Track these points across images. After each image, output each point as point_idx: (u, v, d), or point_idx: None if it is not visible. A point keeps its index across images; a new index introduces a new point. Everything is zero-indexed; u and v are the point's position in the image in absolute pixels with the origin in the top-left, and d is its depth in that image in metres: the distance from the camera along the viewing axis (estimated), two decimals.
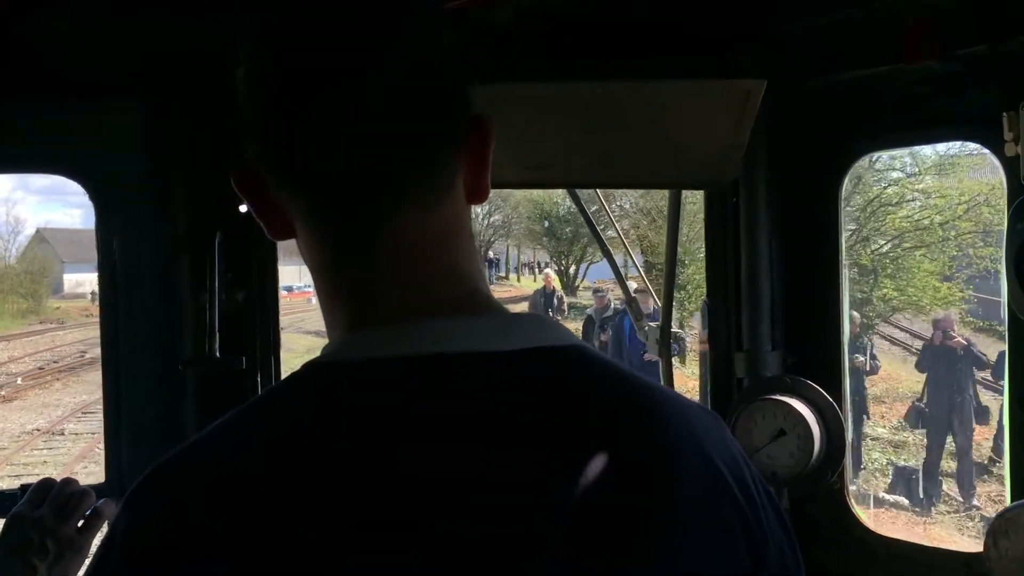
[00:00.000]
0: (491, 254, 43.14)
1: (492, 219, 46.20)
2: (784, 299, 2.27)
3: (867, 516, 2.28)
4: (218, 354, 2.02)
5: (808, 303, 2.27)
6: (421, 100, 0.92)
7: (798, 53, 1.94)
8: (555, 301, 19.01)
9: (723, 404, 2.31)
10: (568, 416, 0.89)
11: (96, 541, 1.69)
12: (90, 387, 18.87)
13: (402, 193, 0.93)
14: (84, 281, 46.70)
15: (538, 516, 0.84)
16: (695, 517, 0.89)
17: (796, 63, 1.98)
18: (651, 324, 2.80)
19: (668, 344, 2.64)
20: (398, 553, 0.82)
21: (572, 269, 38.84)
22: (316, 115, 0.90)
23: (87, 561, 1.63)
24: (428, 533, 0.82)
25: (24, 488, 1.74)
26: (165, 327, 2.11)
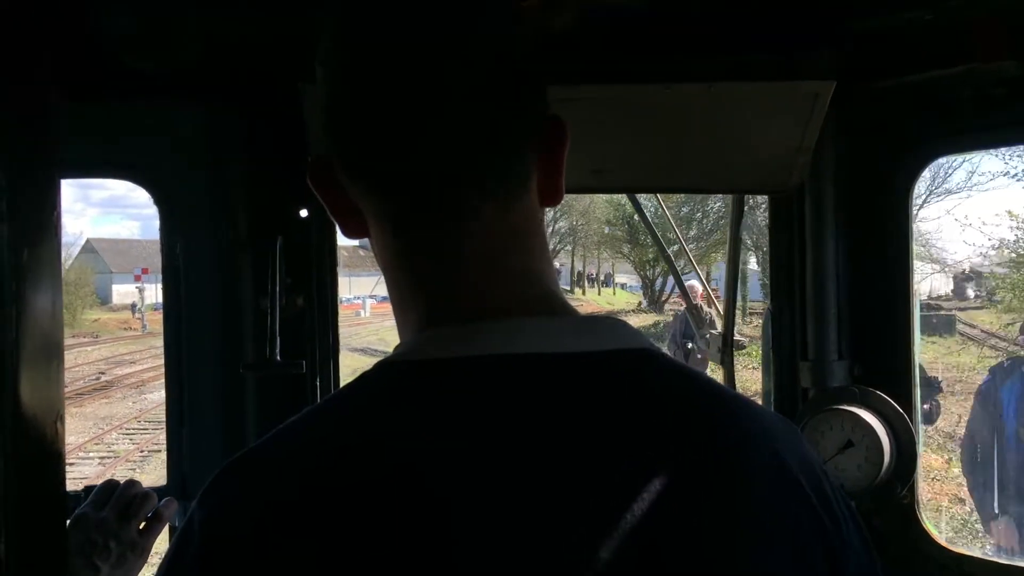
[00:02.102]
0: (557, 264, 41.74)
1: (558, 226, 43.84)
2: (851, 307, 2.21)
3: None
4: (278, 358, 2.03)
5: (876, 311, 2.21)
6: (500, 98, 0.92)
7: (868, 54, 1.89)
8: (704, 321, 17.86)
9: (788, 414, 2.25)
10: (642, 419, 0.88)
11: (158, 542, 1.72)
12: (88, 423, 17.03)
13: (481, 191, 0.93)
14: (130, 292, 46.97)
15: (613, 519, 0.82)
16: (772, 521, 0.88)
17: (866, 64, 1.93)
18: (712, 331, 2.76)
19: (731, 352, 2.59)
20: (486, 547, 0.81)
21: (658, 282, 36.09)
22: (395, 111, 0.91)
23: (150, 560, 1.65)
24: (513, 528, 0.81)
25: (88, 490, 1.76)
26: (226, 331, 2.13)
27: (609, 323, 0.96)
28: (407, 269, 0.97)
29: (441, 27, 0.92)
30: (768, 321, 2.37)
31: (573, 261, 49.13)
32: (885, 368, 2.19)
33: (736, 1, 1.78)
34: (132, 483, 1.75)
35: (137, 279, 46.31)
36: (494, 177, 0.94)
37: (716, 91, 1.86)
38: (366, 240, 1.03)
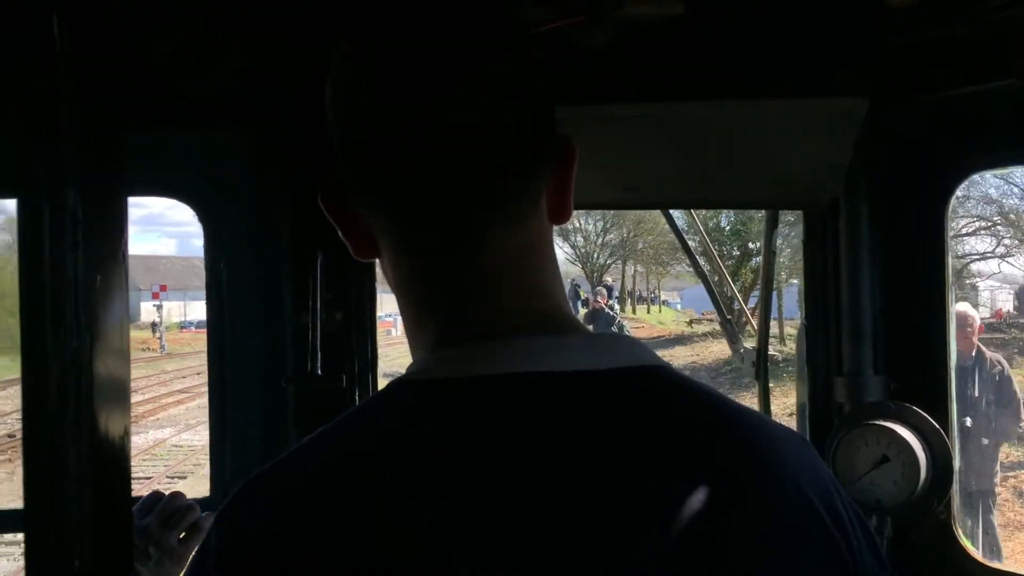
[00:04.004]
0: (609, 280, 38.12)
1: (608, 238, 42.09)
2: (887, 322, 2.21)
3: None
4: (319, 372, 2.07)
5: (912, 326, 2.20)
6: (511, 117, 0.93)
7: (903, 69, 1.90)
8: None
9: (823, 429, 2.25)
10: (658, 437, 0.89)
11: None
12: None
13: (492, 209, 0.94)
14: (156, 309, 45.26)
15: (630, 535, 0.83)
16: (788, 539, 0.88)
17: (900, 80, 1.94)
18: (747, 347, 2.76)
19: (765, 367, 2.59)
20: (503, 565, 0.82)
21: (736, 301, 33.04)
22: (406, 129, 0.91)
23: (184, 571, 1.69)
24: (530, 546, 0.83)
25: (133, 500, 1.81)
26: (268, 346, 2.17)
27: (619, 340, 0.97)
28: (420, 289, 0.98)
29: (454, 47, 0.93)
30: (803, 336, 2.37)
31: (624, 277, 46.94)
32: (921, 384, 2.18)
33: (770, 18, 1.79)
34: (177, 495, 1.80)
35: (155, 296, 44.71)
36: (506, 196, 0.94)
37: (749, 108, 1.87)
38: None
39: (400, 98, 0.92)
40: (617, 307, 20.11)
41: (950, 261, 2.22)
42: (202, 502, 1.83)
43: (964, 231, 26.47)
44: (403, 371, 0.97)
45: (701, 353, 27.20)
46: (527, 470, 0.85)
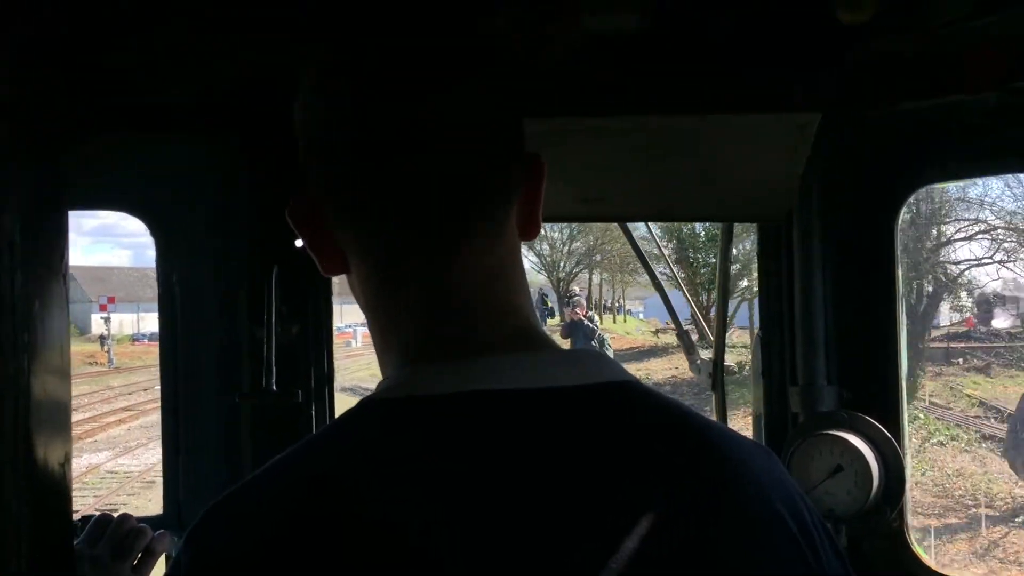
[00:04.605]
0: (576, 289, 36.63)
1: (574, 246, 41.41)
2: (840, 333, 2.24)
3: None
4: (274, 387, 2.04)
5: (864, 337, 2.24)
6: (484, 133, 0.94)
7: (855, 84, 1.93)
8: None
9: (778, 439, 2.28)
10: (629, 452, 0.89)
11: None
12: None
13: (465, 226, 0.94)
14: (114, 321, 43.35)
15: (616, 538, 0.84)
16: (758, 548, 0.89)
17: (851, 95, 1.97)
18: (703, 358, 2.78)
19: (722, 378, 2.61)
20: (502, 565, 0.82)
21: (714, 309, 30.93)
22: (379, 145, 0.91)
23: None
24: (522, 548, 0.82)
25: (84, 520, 1.76)
26: (222, 360, 2.14)
27: (589, 356, 0.97)
28: (390, 305, 0.97)
29: (428, 64, 0.93)
30: (758, 346, 2.40)
31: (591, 286, 46.11)
32: (873, 393, 2.21)
33: (725, 34, 1.81)
34: (126, 518, 1.75)
35: (103, 308, 42.98)
36: (478, 212, 0.94)
37: (705, 122, 1.89)
38: None
39: (373, 114, 0.92)
40: (597, 318, 19.01)
41: (900, 273, 2.26)
42: (154, 521, 1.80)
43: (959, 235, 26.34)
44: (364, 385, 0.95)
45: (680, 366, 26.40)
46: (512, 478, 0.85)
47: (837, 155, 2.14)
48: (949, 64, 1.81)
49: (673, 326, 3.07)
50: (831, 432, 2.14)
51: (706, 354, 2.84)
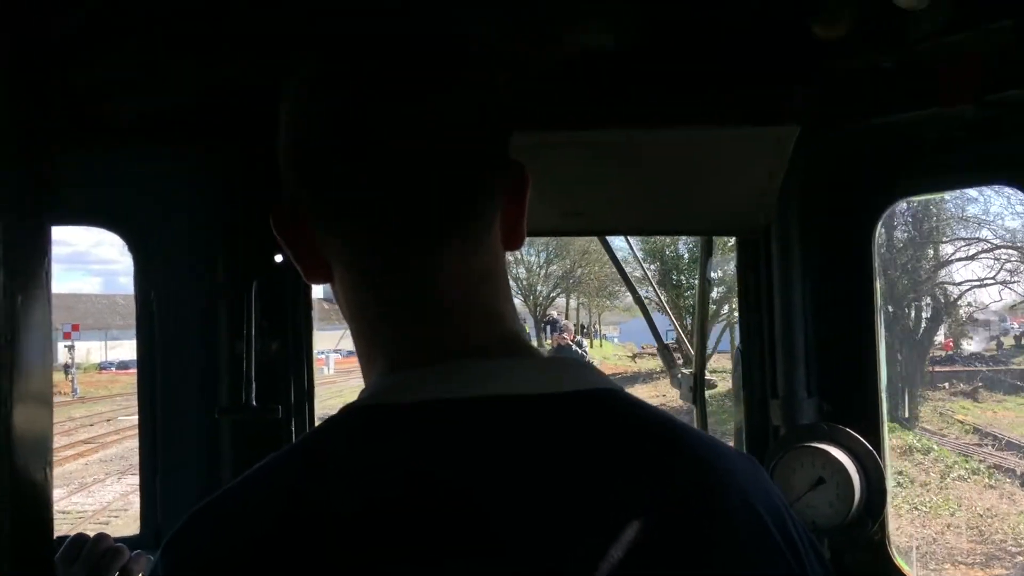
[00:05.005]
0: (554, 313, 36.59)
1: (551, 269, 40.81)
2: (819, 345, 2.25)
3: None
4: (254, 403, 2.03)
5: (844, 349, 2.25)
6: (469, 141, 0.94)
7: (832, 98, 1.95)
8: None
9: (759, 452, 2.28)
10: (620, 452, 0.90)
11: None
12: None
13: (449, 234, 0.94)
14: (78, 349, 41.61)
15: (595, 547, 0.83)
16: (743, 559, 0.89)
17: (829, 109, 1.99)
18: (684, 371, 2.78)
19: (702, 392, 2.62)
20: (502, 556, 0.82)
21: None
22: (363, 153, 0.91)
23: None
24: (519, 541, 0.83)
25: (60, 540, 1.74)
26: (201, 376, 2.12)
27: (574, 364, 0.97)
28: (374, 312, 0.97)
29: (412, 73, 0.93)
30: (739, 359, 2.40)
31: (568, 310, 45.05)
32: (853, 405, 2.22)
33: (704, 49, 1.83)
34: (102, 538, 1.72)
35: (67, 337, 41.36)
36: (462, 220, 0.95)
37: (684, 136, 1.90)
38: (331, 293, 1.03)
39: (358, 122, 0.92)
40: (586, 343, 18.24)
41: (878, 286, 2.27)
42: (131, 541, 1.77)
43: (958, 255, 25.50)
44: (334, 412, 0.95)
45: (668, 393, 25.27)
46: (500, 482, 0.85)
47: (815, 168, 2.16)
48: (925, 78, 1.83)
49: (650, 350, 3.08)
50: (812, 444, 2.15)
51: (688, 369, 2.84)
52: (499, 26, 1.58)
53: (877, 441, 2.18)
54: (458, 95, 0.94)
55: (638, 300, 3.10)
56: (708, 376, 2.65)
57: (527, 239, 1.07)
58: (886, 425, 2.26)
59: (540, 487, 0.85)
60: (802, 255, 2.23)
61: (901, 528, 12.81)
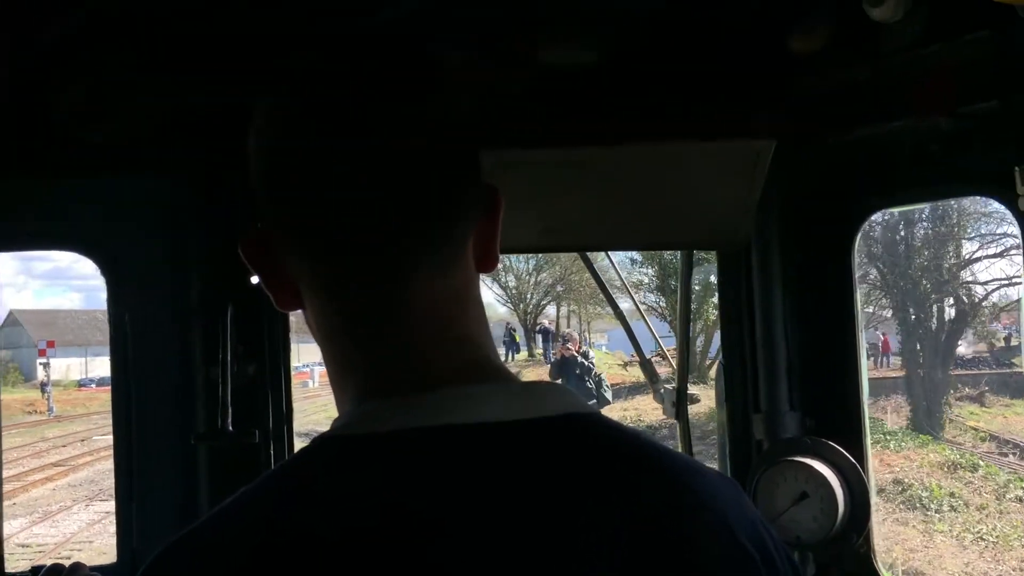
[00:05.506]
0: (546, 322, 36.69)
1: (540, 276, 40.69)
2: (801, 359, 2.24)
3: None
4: (231, 428, 2.00)
5: (825, 362, 2.24)
6: (437, 165, 0.93)
7: (808, 112, 1.95)
8: None
9: (742, 466, 2.27)
10: (590, 474, 0.89)
11: None
12: None
13: (419, 258, 0.93)
14: (57, 366, 41.02)
15: (564, 568, 0.83)
16: None
17: (806, 121, 1.99)
18: (667, 387, 2.77)
19: (685, 406, 2.60)
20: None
21: (698, 340, 25.88)
22: (331, 179, 0.90)
23: None
24: (499, 562, 0.83)
25: (35, 570, 1.72)
26: (177, 402, 2.09)
27: (549, 388, 0.97)
28: (345, 340, 0.96)
29: (383, 95, 0.92)
30: (721, 374, 2.39)
31: (558, 319, 44.94)
32: (836, 419, 2.22)
33: (681, 65, 1.82)
34: (77, 567, 1.71)
35: (42, 354, 40.80)
36: (434, 243, 0.94)
37: (661, 151, 1.90)
38: None
39: (325, 148, 0.91)
40: (592, 355, 16.82)
41: (859, 298, 2.27)
42: (107, 570, 1.75)
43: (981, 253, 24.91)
44: (320, 428, 0.93)
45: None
46: (471, 511, 0.85)
47: (792, 182, 2.16)
48: (900, 91, 1.84)
49: (639, 358, 3.07)
50: (795, 459, 2.14)
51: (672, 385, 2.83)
52: (472, 46, 1.57)
53: (860, 454, 2.17)
54: (424, 116, 0.93)
55: (619, 315, 3.09)
56: (691, 391, 2.63)
57: (505, 253, 1.05)
58: (869, 438, 2.25)
59: (511, 514, 0.85)
60: (782, 268, 2.23)
61: (971, 564, 11.25)
